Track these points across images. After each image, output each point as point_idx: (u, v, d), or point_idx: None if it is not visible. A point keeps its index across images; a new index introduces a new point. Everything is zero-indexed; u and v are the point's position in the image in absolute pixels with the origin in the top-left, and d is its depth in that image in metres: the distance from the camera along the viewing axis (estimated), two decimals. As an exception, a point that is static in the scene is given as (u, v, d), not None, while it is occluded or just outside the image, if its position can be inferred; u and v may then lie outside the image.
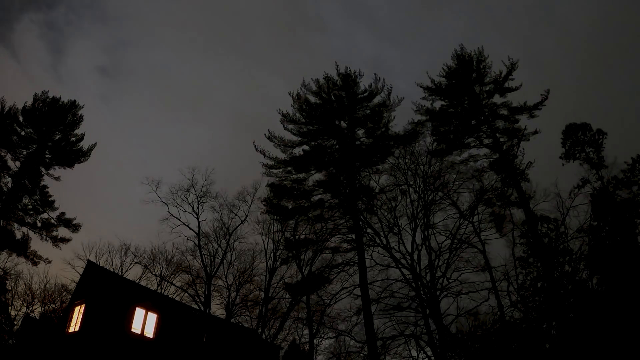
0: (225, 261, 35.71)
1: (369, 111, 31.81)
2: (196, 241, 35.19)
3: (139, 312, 22.19)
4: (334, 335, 34.01)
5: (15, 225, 34.00)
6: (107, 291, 22.54)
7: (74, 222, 35.44)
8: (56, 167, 35.66)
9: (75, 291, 24.82)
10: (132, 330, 21.66)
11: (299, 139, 31.86)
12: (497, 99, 31.57)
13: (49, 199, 35.13)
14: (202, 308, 32.76)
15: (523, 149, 29.81)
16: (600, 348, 21.10)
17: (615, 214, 26.19)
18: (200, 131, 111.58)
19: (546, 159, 31.80)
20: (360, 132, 32.11)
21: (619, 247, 24.95)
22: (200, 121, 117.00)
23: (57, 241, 34.97)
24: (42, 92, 36.13)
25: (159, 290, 35.56)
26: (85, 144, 36.71)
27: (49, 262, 34.68)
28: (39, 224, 34.75)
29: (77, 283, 26.15)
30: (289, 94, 31.72)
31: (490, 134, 30.77)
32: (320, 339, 35.40)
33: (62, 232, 35.28)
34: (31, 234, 34.49)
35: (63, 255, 64.76)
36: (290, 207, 32.30)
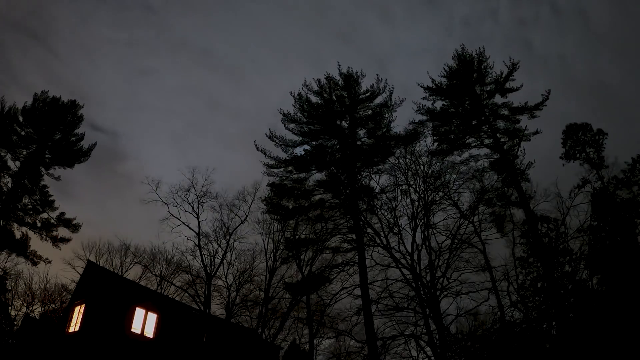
0: (225, 261, 35.76)
1: (370, 111, 31.82)
2: (196, 241, 35.22)
3: (139, 312, 22.20)
4: (334, 335, 34.07)
5: (15, 225, 33.99)
6: (107, 291, 22.54)
7: (74, 222, 35.48)
8: (56, 167, 35.67)
9: (75, 291, 24.83)
10: (132, 330, 21.66)
11: (300, 138, 31.88)
12: (498, 99, 31.56)
13: (49, 199, 35.13)
14: (202, 308, 32.75)
15: (524, 149, 29.83)
16: (600, 348, 21.10)
17: (615, 214, 26.21)
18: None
19: (546, 159, 31.81)
20: (362, 132, 32.13)
21: (619, 247, 24.97)
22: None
23: (57, 241, 34.97)
24: (42, 91, 36.19)
25: (159, 290, 35.56)
26: (85, 143, 36.83)
27: (49, 262, 34.72)
28: (38, 224, 34.75)
29: (77, 283, 26.16)
30: (290, 93, 31.79)
31: (490, 134, 30.75)
32: (320, 339, 35.45)
33: (62, 232, 35.34)
34: (31, 234, 34.53)
35: (63, 255, 64.86)
36: (290, 206, 32.32)
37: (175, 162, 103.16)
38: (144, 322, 22.16)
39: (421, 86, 32.21)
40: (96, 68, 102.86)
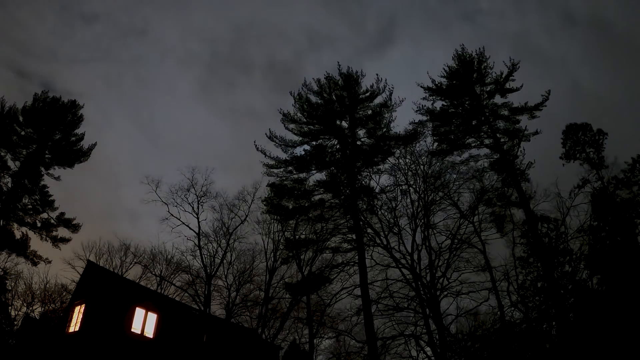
0: (225, 261, 35.80)
1: (370, 111, 31.88)
2: (196, 241, 35.28)
3: (139, 312, 22.20)
4: (334, 335, 34.10)
5: (15, 225, 34.01)
6: (107, 291, 22.54)
7: (74, 222, 35.49)
8: (56, 167, 35.70)
9: (75, 291, 24.83)
10: (132, 330, 21.66)
11: (300, 138, 31.91)
12: (498, 99, 31.63)
13: (49, 199, 35.14)
14: (202, 308, 32.77)
15: (523, 149, 29.88)
16: (600, 348, 21.11)
17: (615, 214, 26.21)
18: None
19: (546, 159, 31.86)
20: (362, 132, 32.19)
21: (619, 247, 24.97)
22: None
23: (57, 241, 34.99)
24: (42, 91, 36.29)
25: (159, 290, 35.56)
26: (85, 143, 36.86)
27: (49, 262, 34.74)
28: (38, 224, 34.78)
29: (77, 283, 26.17)
30: (290, 93, 31.82)
31: (490, 134, 30.78)
32: (320, 339, 35.47)
33: (62, 232, 35.36)
34: (31, 234, 34.57)
35: (63, 255, 64.79)
36: (290, 206, 32.31)
37: (129, 125, 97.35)
38: (144, 322, 22.16)
39: (421, 86, 32.28)
40: (39, 18, 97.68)
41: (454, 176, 30.73)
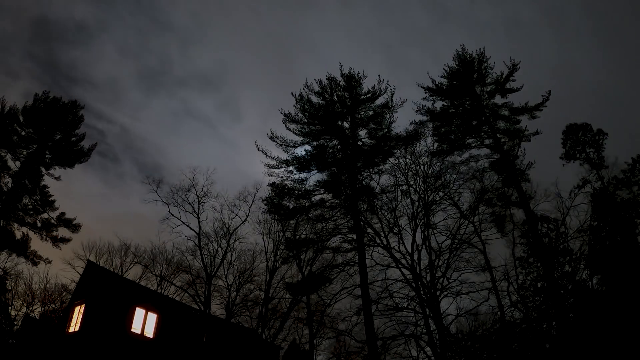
0: (225, 261, 35.86)
1: (371, 112, 31.88)
2: (196, 241, 35.35)
3: (139, 312, 22.21)
4: (334, 335, 34.12)
5: (15, 225, 33.98)
6: (107, 291, 22.54)
7: (74, 222, 35.49)
8: (56, 167, 35.65)
9: (75, 291, 24.84)
10: (132, 330, 21.67)
11: (301, 139, 31.89)
12: (498, 99, 31.61)
13: (49, 199, 35.15)
14: (202, 308, 32.80)
15: (524, 150, 29.88)
16: (600, 348, 21.11)
17: (615, 214, 26.23)
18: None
19: (547, 160, 31.88)
20: (363, 132, 32.20)
21: (619, 247, 24.99)
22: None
23: (57, 241, 34.97)
24: (43, 92, 36.18)
25: (159, 290, 35.58)
26: (86, 144, 36.86)
27: (49, 262, 34.73)
28: (39, 224, 34.75)
29: (77, 283, 26.17)
30: (292, 94, 31.81)
31: (491, 134, 30.78)
32: (320, 339, 35.49)
33: (62, 232, 35.35)
34: (31, 234, 34.53)
35: (63, 255, 64.78)
36: (291, 206, 32.30)
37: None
38: (144, 322, 22.17)
39: (421, 86, 32.27)
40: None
41: (454, 176, 30.80)
